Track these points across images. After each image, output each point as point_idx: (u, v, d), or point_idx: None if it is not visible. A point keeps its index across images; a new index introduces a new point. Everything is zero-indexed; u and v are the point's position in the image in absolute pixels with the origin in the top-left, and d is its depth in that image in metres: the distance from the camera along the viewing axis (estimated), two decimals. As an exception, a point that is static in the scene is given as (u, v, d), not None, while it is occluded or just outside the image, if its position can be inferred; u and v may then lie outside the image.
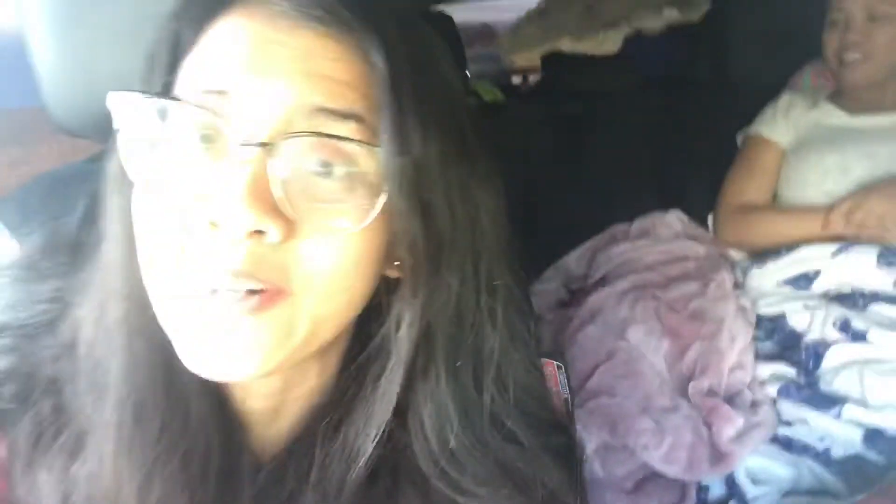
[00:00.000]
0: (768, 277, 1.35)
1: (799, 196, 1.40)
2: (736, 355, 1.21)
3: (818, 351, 1.15)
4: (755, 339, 1.28)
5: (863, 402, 1.05)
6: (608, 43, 2.90)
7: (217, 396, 0.45)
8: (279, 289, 0.40)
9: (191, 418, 0.43)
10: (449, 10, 1.97)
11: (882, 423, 1.01)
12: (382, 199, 0.40)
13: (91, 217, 0.62)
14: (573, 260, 1.56)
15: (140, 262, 0.42)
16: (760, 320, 1.31)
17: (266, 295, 0.39)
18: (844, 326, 1.15)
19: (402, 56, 0.41)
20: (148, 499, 0.41)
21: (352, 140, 0.40)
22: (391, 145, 0.40)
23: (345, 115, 0.40)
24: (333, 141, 0.39)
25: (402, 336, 0.44)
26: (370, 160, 0.40)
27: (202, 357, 0.40)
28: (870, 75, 1.36)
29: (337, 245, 0.40)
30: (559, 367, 0.58)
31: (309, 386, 0.49)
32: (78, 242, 0.53)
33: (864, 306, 1.18)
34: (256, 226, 0.38)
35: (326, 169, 0.40)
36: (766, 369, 1.20)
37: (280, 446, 0.49)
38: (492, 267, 0.48)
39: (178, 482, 0.42)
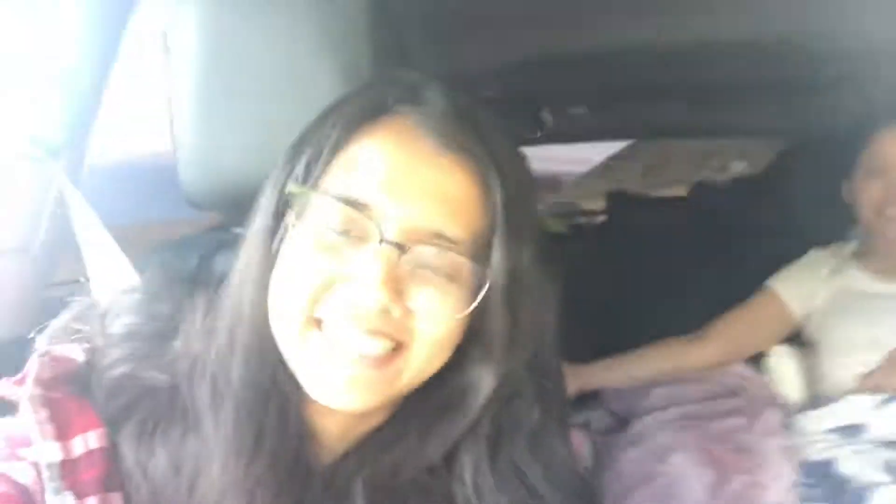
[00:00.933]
0: (816, 423, 1.34)
1: (828, 364, 1.38)
2: (779, 494, 1.21)
3: (862, 495, 1.13)
4: (804, 484, 1.27)
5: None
6: (674, 189, 3.02)
7: (300, 413, 0.55)
8: (401, 343, 0.51)
9: (287, 425, 0.54)
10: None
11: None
12: (479, 297, 0.52)
13: (206, 266, 0.75)
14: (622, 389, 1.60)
15: (273, 304, 0.53)
16: (810, 466, 1.29)
17: (388, 355, 0.51)
18: (890, 469, 1.14)
19: (513, 182, 0.54)
20: (250, 474, 0.51)
21: (460, 255, 0.52)
22: (499, 257, 0.52)
23: (459, 234, 0.52)
24: (447, 252, 0.51)
25: (477, 397, 0.55)
26: (471, 267, 0.52)
27: (326, 390, 0.52)
28: None
29: (440, 323, 0.52)
30: (586, 438, 0.66)
31: (377, 418, 0.58)
32: (190, 280, 0.65)
33: (913, 451, 1.17)
34: (387, 305, 0.50)
35: (437, 269, 0.52)
36: (812, 512, 1.19)
37: (338, 456, 0.58)
38: (548, 352, 0.59)
39: (272, 470, 0.52)
